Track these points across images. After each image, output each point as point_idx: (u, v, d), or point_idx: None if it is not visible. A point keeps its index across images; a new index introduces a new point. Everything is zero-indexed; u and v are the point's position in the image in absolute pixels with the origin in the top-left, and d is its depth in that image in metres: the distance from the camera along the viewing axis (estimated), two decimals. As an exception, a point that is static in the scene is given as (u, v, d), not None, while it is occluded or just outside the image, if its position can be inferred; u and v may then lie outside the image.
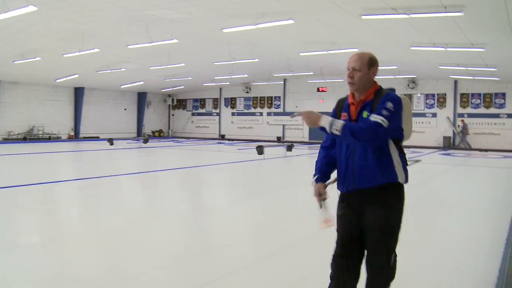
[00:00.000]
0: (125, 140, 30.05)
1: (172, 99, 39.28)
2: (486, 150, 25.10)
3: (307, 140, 31.69)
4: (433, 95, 27.79)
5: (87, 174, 12.93)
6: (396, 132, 2.89)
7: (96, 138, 32.65)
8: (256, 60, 19.60)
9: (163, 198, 9.21)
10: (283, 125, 33.27)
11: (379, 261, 2.92)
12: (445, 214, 7.63)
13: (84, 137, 32.75)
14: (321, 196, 3.08)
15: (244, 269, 4.55)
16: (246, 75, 26.82)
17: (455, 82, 26.95)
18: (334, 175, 3.17)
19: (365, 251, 3.01)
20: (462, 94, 27.09)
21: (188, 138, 37.21)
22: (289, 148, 19.08)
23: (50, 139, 30.36)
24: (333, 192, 3.17)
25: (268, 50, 19.45)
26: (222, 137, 36.09)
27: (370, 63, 2.95)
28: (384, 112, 2.74)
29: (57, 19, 14.41)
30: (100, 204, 8.36)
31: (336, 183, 3.14)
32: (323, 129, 2.80)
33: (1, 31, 15.72)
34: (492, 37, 14.21)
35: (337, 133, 2.73)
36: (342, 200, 3.12)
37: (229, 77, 27.10)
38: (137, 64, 23.46)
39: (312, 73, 25.09)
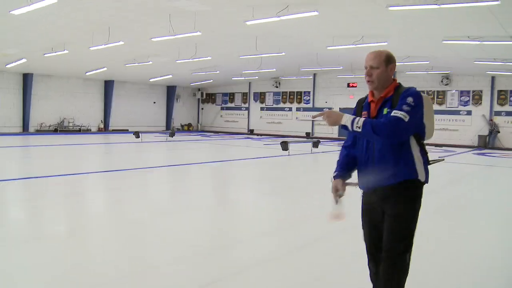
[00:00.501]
0: (152, 134, 30.02)
1: (201, 93, 39.19)
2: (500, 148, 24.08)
3: (336, 136, 31.07)
4: (468, 91, 26.70)
5: (110, 166, 12.91)
6: (417, 127, 2.87)
7: (125, 131, 32.85)
8: (283, 54, 19.14)
9: (182, 193, 9.12)
10: (313, 121, 32.67)
11: (395, 257, 2.91)
12: (462, 222, 7.02)
13: (113, 130, 33.01)
14: (337, 192, 3.04)
15: (259, 266, 4.53)
16: (274, 69, 26.37)
17: (492, 78, 25.82)
18: (355, 177, 3.15)
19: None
20: (499, 91, 25.94)
21: (217, 132, 37.06)
22: (315, 145, 18.57)
23: (80, 131, 30.72)
24: (351, 191, 3.14)
25: (295, 44, 18.97)
26: (251, 132, 35.78)
27: (388, 60, 2.95)
28: (405, 107, 2.73)
29: (82, 12, 14.37)
30: (122, 197, 8.35)
31: (357, 184, 3.13)
32: (345, 127, 2.84)
33: (32, 25, 15.81)
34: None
35: (358, 130, 2.76)
36: (364, 198, 3.15)
37: (257, 71, 26.71)
38: (165, 58, 23.35)
39: (341, 67, 24.46)
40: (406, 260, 2.94)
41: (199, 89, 39.44)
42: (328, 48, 17.89)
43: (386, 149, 2.88)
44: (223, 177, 11.95)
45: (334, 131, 31.31)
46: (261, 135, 33.81)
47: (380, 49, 3.04)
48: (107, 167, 13.04)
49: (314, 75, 32.16)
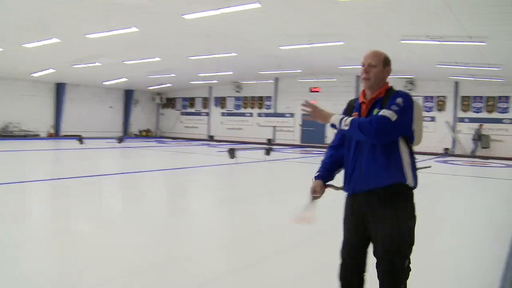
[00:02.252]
0: (104, 139, 28.25)
1: (161, 98, 37.59)
2: (487, 158, 23.24)
3: (298, 143, 29.95)
4: (431, 97, 25.91)
5: (20, 176, 11.21)
6: (406, 130, 2.82)
7: (78, 137, 30.98)
8: (234, 54, 17.81)
9: (90, 207, 7.73)
10: (274, 127, 31.45)
11: (393, 269, 2.78)
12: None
13: (65, 135, 31.05)
14: (314, 193, 3.01)
15: (214, 282, 4.13)
16: (231, 72, 25.07)
17: (456, 83, 25.09)
18: (339, 181, 3.07)
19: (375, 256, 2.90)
20: (463, 97, 25.20)
21: (176, 138, 35.52)
22: (268, 152, 17.27)
23: (26, 136, 28.71)
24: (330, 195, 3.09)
25: (245, 44, 17.64)
26: (211, 138, 34.33)
27: (385, 61, 2.95)
28: (393, 107, 2.70)
29: (13, 7, 12.79)
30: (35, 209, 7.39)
31: (340, 187, 3.07)
32: (333, 125, 2.87)
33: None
34: (494, 28, 12.36)
35: (346, 128, 2.77)
36: (349, 202, 3.05)
37: (213, 74, 25.34)
38: (112, 59, 21.80)
39: (300, 71, 23.29)
40: (404, 265, 2.81)
41: (158, 94, 37.83)
42: (281, 48, 16.62)
43: (375, 151, 2.81)
44: (151, 188, 10.48)
45: (296, 138, 30.20)
46: (221, 141, 32.42)
47: (379, 50, 3.01)
48: (15, 177, 11.40)
49: (276, 79, 30.98)
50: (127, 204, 8.37)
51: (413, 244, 2.83)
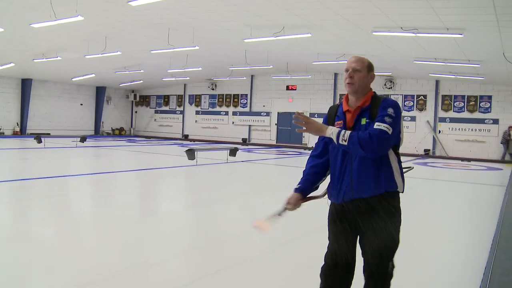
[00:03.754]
0: (70, 138, 26.73)
1: (135, 95, 36.18)
2: (469, 160, 22.30)
3: (274, 143, 28.79)
4: (412, 96, 24.89)
5: None
6: (396, 139, 2.80)
7: (47, 135, 29.50)
8: (197, 47, 16.53)
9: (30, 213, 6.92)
10: (249, 126, 30.24)
11: (379, 273, 2.82)
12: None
13: (31, 133, 29.48)
14: (289, 206, 2.95)
15: None
16: (200, 68, 23.75)
17: (437, 82, 24.10)
18: (323, 188, 3.05)
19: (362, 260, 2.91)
20: (444, 96, 24.22)
21: (149, 137, 34.17)
22: (233, 153, 16.03)
23: (-12, 134, 27.26)
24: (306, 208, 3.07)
25: (206, 36, 16.37)
26: (186, 137, 33.03)
27: (369, 67, 2.91)
28: (387, 119, 2.69)
29: None
30: None
31: (326, 195, 3.04)
32: (329, 139, 2.81)
33: None
34: (471, 19, 11.28)
35: (344, 143, 2.71)
36: (336, 211, 2.98)
37: (182, 70, 24.03)
38: (74, 53, 20.48)
39: (271, 66, 22.06)
40: (390, 271, 2.83)
41: (132, 91, 36.43)
42: (246, 40, 15.37)
43: (366, 161, 2.77)
44: (94, 192, 9.19)
45: (272, 138, 29.06)
46: (196, 140, 31.15)
47: (362, 56, 2.94)
48: None
49: (252, 76, 29.80)
50: (58, 210, 7.09)
51: (397, 247, 2.83)
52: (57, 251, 5.01)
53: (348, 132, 2.70)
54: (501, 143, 22.33)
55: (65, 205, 7.86)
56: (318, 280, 3.01)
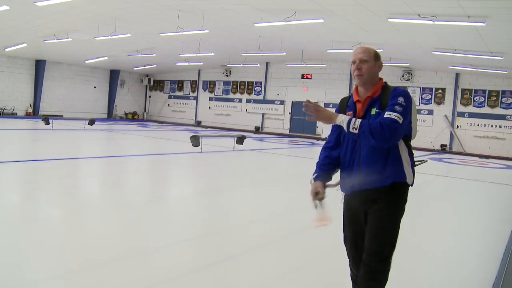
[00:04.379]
0: (81, 121, 26.48)
1: (149, 79, 35.85)
2: (487, 157, 21.46)
3: (287, 132, 28.22)
4: (430, 89, 24.03)
5: None
6: (407, 129, 2.78)
7: (59, 117, 29.36)
8: (206, 31, 15.99)
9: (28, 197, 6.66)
10: (263, 114, 29.68)
11: (377, 262, 2.80)
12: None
13: (44, 115, 29.37)
14: (317, 195, 2.89)
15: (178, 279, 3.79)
16: (212, 54, 23.21)
17: (457, 75, 23.21)
18: (335, 178, 3.04)
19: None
20: (463, 90, 23.33)
21: (162, 122, 33.83)
22: (240, 141, 15.54)
23: (1, 114, 27.14)
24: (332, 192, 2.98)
25: (216, 20, 15.82)
26: (198, 123, 32.62)
27: (376, 56, 2.88)
28: (398, 108, 2.67)
29: None
30: None
31: (339, 185, 3.03)
32: (339, 127, 2.81)
33: None
34: (495, 4, 10.51)
35: (355, 131, 2.68)
36: (347, 202, 3.02)
37: (194, 54, 23.52)
38: (84, 34, 20.16)
39: (284, 53, 21.38)
40: (388, 266, 2.83)
41: (147, 75, 36.11)
42: (256, 25, 14.79)
43: (374, 151, 2.76)
44: (88, 177, 8.79)
45: (285, 127, 28.49)
46: (208, 127, 30.72)
47: (367, 45, 2.94)
48: None
49: (267, 64, 29.18)
50: (50, 197, 6.70)
51: (396, 241, 2.83)
52: (62, 233, 5.01)
53: (358, 121, 2.68)
54: None
55: (57, 189, 7.46)
56: (320, 271, 3.24)
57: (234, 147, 15.34)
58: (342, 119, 2.72)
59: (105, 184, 8.45)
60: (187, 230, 5.58)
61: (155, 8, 15.12)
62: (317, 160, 3.09)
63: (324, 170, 3.00)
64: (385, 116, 2.65)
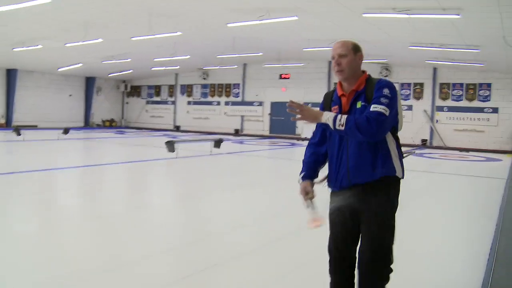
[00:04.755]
0: (55, 130, 25.84)
1: (126, 85, 35.29)
2: (467, 150, 21.41)
3: (267, 133, 27.92)
4: (408, 84, 23.97)
5: None
6: (394, 121, 2.73)
7: (34, 127, 28.71)
8: (179, 33, 15.60)
9: None
10: (242, 116, 29.35)
11: (378, 261, 2.71)
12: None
13: (18, 126, 28.60)
14: (307, 195, 2.84)
15: None
16: (188, 56, 22.79)
17: (434, 69, 23.18)
18: (322, 173, 2.98)
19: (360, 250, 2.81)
20: (441, 84, 23.30)
21: (140, 128, 33.28)
22: (217, 144, 15.18)
23: (-28, 126, 26.42)
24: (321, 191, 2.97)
25: (188, 21, 15.45)
26: (177, 128, 32.16)
27: (355, 48, 2.79)
28: (383, 100, 2.62)
29: None
30: None
31: (325, 181, 2.98)
32: (325, 125, 2.73)
33: None
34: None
35: (341, 128, 2.61)
36: (334, 198, 2.92)
37: (169, 59, 23.09)
38: (54, 41, 19.60)
39: (261, 53, 21.04)
40: (390, 261, 2.75)
41: (124, 81, 35.52)
42: (229, 25, 14.44)
43: (362, 145, 2.71)
44: (59, 189, 8.33)
45: (265, 128, 28.19)
46: (187, 131, 30.29)
47: (345, 39, 2.85)
48: None
49: (244, 65, 28.87)
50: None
51: (394, 239, 2.77)
52: (37, 247, 4.75)
53: (344, 117, 2.60)
54: None
55: (27, 202, 7.01)
56: (309, 278, 3.07)
57: (211, 151, 14.97)
58: (327, 117, 2.64)
59: (78, 195, 8.01)
60: (168, 238, 5.30)
61: (126, 12, 14.71)
62: (303, 158, 3.03)
63: (310, 168, 2.97)
64: (371, 109, 2.59)
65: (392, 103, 2.62)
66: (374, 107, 2.59)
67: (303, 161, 3.02)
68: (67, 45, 19.15)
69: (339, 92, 2.85)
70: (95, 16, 15.04)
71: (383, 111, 2.56)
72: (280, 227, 5.83)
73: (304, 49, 19.00)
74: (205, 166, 12.82)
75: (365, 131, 2.55)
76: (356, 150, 2.72)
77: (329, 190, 2.94)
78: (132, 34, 17.01)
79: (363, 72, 2.84)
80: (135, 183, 9.87)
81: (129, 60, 24.44)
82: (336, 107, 2.83)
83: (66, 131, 21.34)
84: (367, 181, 2.71)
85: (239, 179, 10.53)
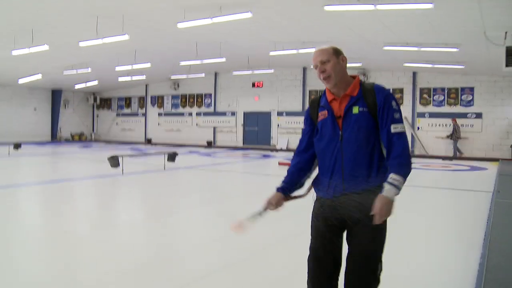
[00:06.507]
0: (29, 145, 24.02)
1: (95, 98, 33.65)
2: (451, 158, 20.06)
3: (241, 144, 26.39)
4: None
5: None
6: None
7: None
8: (126, 36, 14.04)
9: None
10: (214, 127, 27.81)
11: (366, 276, 2.62)
12: None
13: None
14: (270, 206, 2.75)
15: None
16: (148, 64, 21.20)
17: (414, 74, 21.92)
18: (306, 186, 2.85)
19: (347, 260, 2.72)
20: (422, 89, 22.02)
21: (110, 142, 31.59)
22: (172, 158, 13.60)
23: None
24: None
25: (135, 22, 13.95)
26: (149, 141, 30.53)
27: (336, 51, 2.69)
28: (396, 116, 2.59)
29: None
30: None
31: (312, 191, 2.87)
32: (310, 129, 2.83)
33: None
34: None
35: (404, 181, 2.52)
36: (323, 207, 2.75)
37: (131, 67, 21.54)
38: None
39: (223, 59, 19.46)
40: (379, 276, 2.66)
41: (93, 94, 33.87)
42: (179, 25, 12.88)
43: (358, 152, 2.60)
44: None
45: (238, 139, 26.68)
46: (158, 144, 28.67)
47: (324, 46, 2.69)
48: None
49: (216, 74, 27.41)
50: None
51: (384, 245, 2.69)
52: None
53: (397, 176, 2.49)
54: (451, 138, 20.61)
55: None
56: None
57: (165, 166, 13.38)
58: (392, 192, 2.48)
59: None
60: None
61: (72, 15, 13.22)
62: (289, 167, 2.89)
63: (292, 180, 2.82)
64: (392, 130, 2.54)
65: (401, 115, 2.61)
66: (394, 128, 2.55)
67: (288, 170, 2.88)
68: (14, 52, 17.50)
69: (329, 97, 2.72)
70: (40, 19, 13.54)
71: (403, 130, 2.57)
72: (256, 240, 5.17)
73: (271, 53, 17.51)
74: (151, 183, 11.20)
75: (409, 163, 2.54)
76: (352, 158, 2.60)
77: (314, 197, 2.82)
78: (79, 39, 15.41)
79: (355, 76, 2.76)
80: (62, 206, 8.22)
81: (89, 70, 22.77)
82: (325, 112, 2.71)
83: (17, 146, 19.66)
84: (362, 189, 2.58)
85: (183, 199, 8.95)
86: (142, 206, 8.23)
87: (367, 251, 2.60)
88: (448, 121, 21.00)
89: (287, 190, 2.80)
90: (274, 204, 2.74)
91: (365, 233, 2.59)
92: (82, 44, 15.38)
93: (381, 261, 2.65)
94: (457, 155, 20.36)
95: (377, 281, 2.65)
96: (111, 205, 8.36)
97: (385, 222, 2.59)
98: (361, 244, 2.62)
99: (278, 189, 2.80)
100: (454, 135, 20.52)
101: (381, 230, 2.62)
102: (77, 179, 11.66)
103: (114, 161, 11.69)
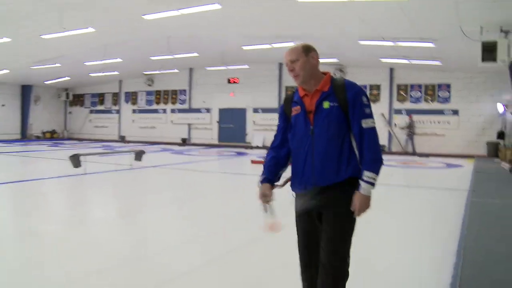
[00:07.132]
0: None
1: (67, 94, 32.70)
2: (427, 155, 19.84)
3: (216, 142, 25.86)
4: (364, 86, 22.23)
5: None
6: None
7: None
8: (91, 29, 13.40)
9: None
10: (189, 124, 27.21)
11: (335, 261, 2.66)
12: None
13: None
14: (266, 198, 2.81)
15: None
16: (120, 60, 20.54)
17: (391, 70, 21.66)
18: (284, 176, 2.91)
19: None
20: (399, 86, 21.78)
21: (83, 140, 30.73)
22: (138, 157, 13.03)
23: None
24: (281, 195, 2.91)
25: (98, 13, 13.28)
26: (122, 139, 29.76)
27: (306, 49, 2.76)
28: (367, 110, 2.68)
29: None
30: None
31: (288, 184, 2.91)
32: (284, 125, 2.90)
33: None
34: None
35: (377, 176, 2.66)
36: (299, 200, 2.83)
37: (100, 62, 20.83)
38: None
39: (196, 54, 18.92)
40: (347, 264, 2.70)
41: (66, 90, 32.93)
42: (144, 16, 12.30)
43: (328, 145, 2.67)
44: None
45: (213, 137, 26.14)
46: (133, 142, 27.95)
47: (295, 44, 2.79)
48: None
49: (191, 69, 26.80)
50: None
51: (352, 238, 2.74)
52: None
53: (370, 173, 2.62)
54: (407, 135, 20.96)
55: None
56: None
57: (131, 164, 12.80)
58: (369, 190, 2.64)
59: None
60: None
61: (35, 7, 12.51)
62: (264, 162, 2.93)
63: (271, 171, 2.87)
64: (363, 125, 2.62)
65: (371, 109, 2.68)
66: (365, 123, 2.62)
67: (264, 165, 2.93)
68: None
69: (301, 93, 2.80)
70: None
71: (373, 125, 2.65)
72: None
73: (244, 47, 17.01)
74: (116, 183, 10.63)
75: (379, 154, 2.65)
76: (322, 151, 2.66)
77: (293, 194, 2.83)
78: (42, 32, 14.69)
79: (326, 73, 2.80)
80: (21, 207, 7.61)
81: (57, 65, 21.97)
82: (298, 107, 2.77)
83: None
84: (333, 182, 2.64)
85: (141, 198, 8.42)
86: (103, 206, 7.67)
87: (335, 244, 2.65)
88: (426, 117, 20.81)
89: (271, 180, 2.84)
90: (269, 194, 2.79)
91: (334, 227, 2.65)
92: (44, 37, 14.66)
93: (349, 255, 2.69)
94: (415, 151, 20.38)
95: (344, 273, 2.68)
96: (68, 204, 7.78)
97: (353, 217, 2.66)
98: (328, 238, 2.66)
99: (263, 181, 2.84)
100: (410, 131, 20.54)
101: (350, 223, 2.68)
102: (38, 179, 11.02)
103: (76, 161, 11.06)
